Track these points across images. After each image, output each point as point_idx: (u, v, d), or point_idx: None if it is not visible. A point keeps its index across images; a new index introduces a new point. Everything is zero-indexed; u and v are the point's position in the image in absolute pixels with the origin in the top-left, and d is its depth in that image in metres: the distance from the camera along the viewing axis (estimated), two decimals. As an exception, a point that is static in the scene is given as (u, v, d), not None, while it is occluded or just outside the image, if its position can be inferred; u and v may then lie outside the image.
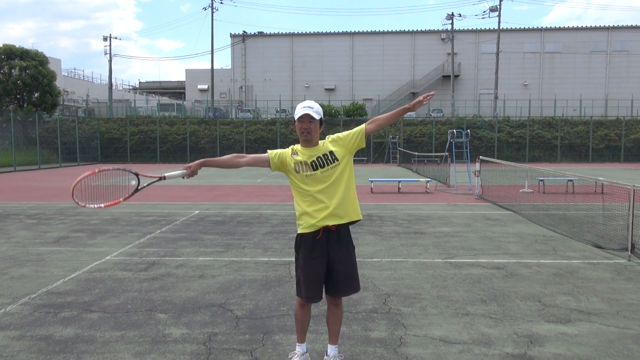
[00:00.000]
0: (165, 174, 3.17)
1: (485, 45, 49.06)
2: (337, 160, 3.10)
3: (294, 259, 3.36)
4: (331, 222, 3.07)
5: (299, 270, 3.17)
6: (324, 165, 3.08)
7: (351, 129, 3.20)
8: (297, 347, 3.33)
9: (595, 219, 9.03)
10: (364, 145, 3.19)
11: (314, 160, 3.09)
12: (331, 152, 3.11)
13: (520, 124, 36.67)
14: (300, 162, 3.10)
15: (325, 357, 3.32)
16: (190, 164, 3.13)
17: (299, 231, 3.16)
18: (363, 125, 3.17)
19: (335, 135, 3.21)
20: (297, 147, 3.20)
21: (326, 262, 3.11)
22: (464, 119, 37.40)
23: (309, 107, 3.07)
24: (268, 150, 3.23)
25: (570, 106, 42.95)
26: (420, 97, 3.10)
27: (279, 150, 3.22)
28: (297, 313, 3.27)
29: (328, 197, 3.06)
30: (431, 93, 3.12)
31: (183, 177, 3.12)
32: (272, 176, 20.98)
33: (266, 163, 3.18)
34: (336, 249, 3.11)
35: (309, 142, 3.11)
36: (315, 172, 3.07)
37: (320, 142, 3.16)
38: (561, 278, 5.35)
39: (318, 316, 4.14)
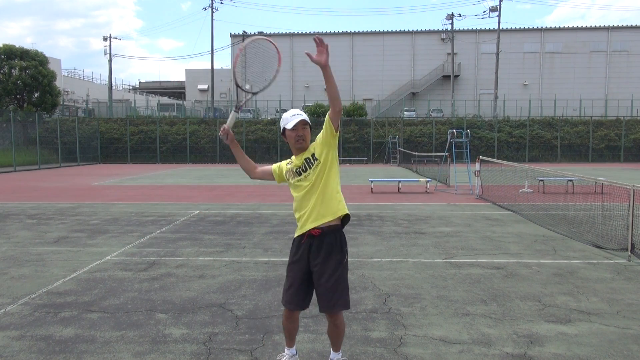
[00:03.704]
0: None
1: (485, 45, 49.02)
2: (317, 159, 2.99)
3: None
4: (312, 225, 2.96)
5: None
6: (306, 169, 3.02)
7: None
8: (286, 349, 3.31)
9: (595, 219, 9.03)
10: (334, 133, 2.97)
11: (299, 167, 3.04)
12: (313, 155, 3.01)
13: (520, 124, 36.63)
14: (290, 170, 3.12)
15: (328, 361, 3.28)
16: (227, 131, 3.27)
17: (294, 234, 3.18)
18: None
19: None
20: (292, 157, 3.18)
21: (306, 271, 3.01)
22: (464, 119, 37.37)
23: (298, 114, 3.00)
24: (272, 165, 3.32)
25: (570, 106, 42.91)
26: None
27: (280, 162, 3.28)
28: (283, 322, 3.21)
29: (308, 199, 3.00)
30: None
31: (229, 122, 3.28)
32: (272, 176, 20.96)
33: (271, 176, 3.29)
34: (314, 256, 2.97)
35: (303, 150, 3.05)
36: (299, 177, 3.05)
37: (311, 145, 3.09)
38: (561, 278, 5.36)
39: (318, 316, 4.13)
